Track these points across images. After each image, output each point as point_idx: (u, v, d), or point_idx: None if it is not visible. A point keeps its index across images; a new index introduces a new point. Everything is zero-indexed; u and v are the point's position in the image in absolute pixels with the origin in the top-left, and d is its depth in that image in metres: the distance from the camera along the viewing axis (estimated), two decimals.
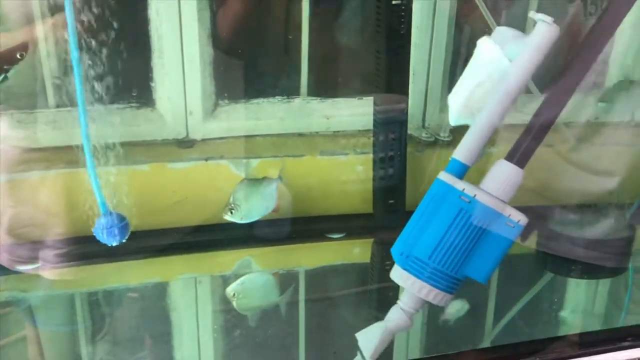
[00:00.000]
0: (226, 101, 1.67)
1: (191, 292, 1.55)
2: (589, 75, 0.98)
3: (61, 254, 1.46)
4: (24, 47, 1.38)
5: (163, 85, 1.60)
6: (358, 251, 1.75)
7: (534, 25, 0.92)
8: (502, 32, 0.98)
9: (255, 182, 1.52)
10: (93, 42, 1.33)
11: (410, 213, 0.98)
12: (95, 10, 1.32)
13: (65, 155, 1.48)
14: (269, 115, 1.70)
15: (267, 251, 1.64)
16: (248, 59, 1.67)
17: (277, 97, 1.70)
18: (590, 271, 1.59)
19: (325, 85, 1.74)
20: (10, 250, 1.44)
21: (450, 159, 0.97)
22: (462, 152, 0.96)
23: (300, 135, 1.73)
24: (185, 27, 1.55)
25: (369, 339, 1.01)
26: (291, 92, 1.71)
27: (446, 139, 1.76)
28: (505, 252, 0.96)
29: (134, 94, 1.59)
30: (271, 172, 1.56)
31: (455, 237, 0.94)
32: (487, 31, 1.03)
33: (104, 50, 1.36)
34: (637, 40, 1.79)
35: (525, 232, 0.97)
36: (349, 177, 1.70)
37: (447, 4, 1.71)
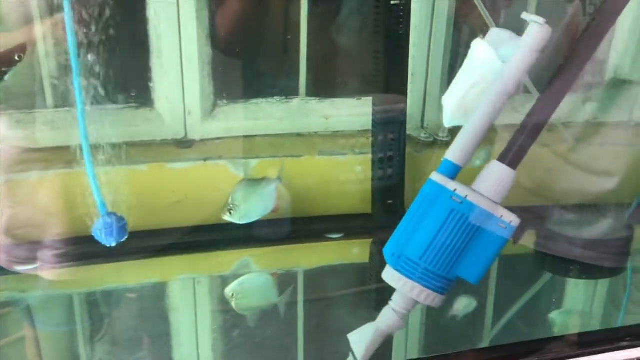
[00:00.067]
0: (225, 101, 1.67)
1: (190, 293, 1.55)
2: (582, 76, 0.98)
3: (60, 255, 1.46)
4: (22, 49, 1.38)
5: (162, 85, 1.60)
6: (357, 251, 1.75)
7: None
8: (496, 33, 0.98)
9: (254, 182, 1.52)
10: (92, 43, 1.33)
11: None
12: (93, 10, 1.32)
13: (63, 156, 1.47)
14: (268, 115, 1.70)
15: (266, 251, 1.64)
16: (247, 59, 1.67)
17: (275, 97, 1.70)
18: (588, 271, 1.59)
19: (324, 86, 1.74)
20: (9, 250, 1.44)
21: (442, 159, 0.98)
22: (455, 152, 0.96)
23: (299, 135, 1.73)
24: (184, 27, 1.55)
25: (360, 339, 1.01)
26: (290, 92, 1.71)
27: (445, 139, 1.76)
28: (498, 253, 0.96)
29: (133, 94, 1.59)
30: (270, 172, 1.56)
31: (447, 238, 0.94)
32: (486, 31, 1.03)
33: (103, 51, 1.36)
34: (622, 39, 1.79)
35: (519, 233, 0.96)
36: (348, 177, 1.70)
37: (446, 4, 1.71)
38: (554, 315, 1.44)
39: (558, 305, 1.51)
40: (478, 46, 0.98)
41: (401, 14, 1.52)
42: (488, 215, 0.94)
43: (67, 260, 1.47)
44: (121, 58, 1.44)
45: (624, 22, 1.77)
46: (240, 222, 1.48)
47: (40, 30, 1.45)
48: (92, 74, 1.35)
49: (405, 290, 0.97)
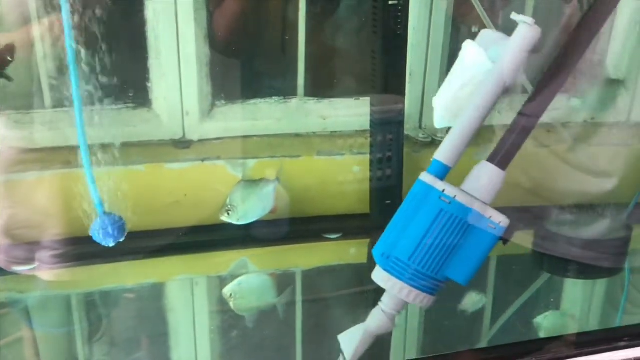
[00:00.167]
0: (223, 102, 1.67)
1: (188, 293, 1.55)
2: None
3: (58, 255, 1.46)
4: (9, 50, 1.37)
5: (159, 85, 1.60)
6: (355, 251, 1.75)
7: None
8: (486, 35, 0.99)
9: (252, 183, 1.52)
10: (89, 43, 1.33)
11: None
12: (91, 10, 1.31)
13: (61, 156, 1.47)
14: (266, 115, 1.70)
15: (264, 252, 1.64)
16: (245, 59, 1.67)
17: (274, 97, 1.70)
18: (587, 271, 1.59)
19: (322, 86, 1.74)
20: (7, 251, 1.44)
21: (432, 159, 0.98)
22: (444, 153, 0.96)
23: (297, 135, 1.73)
24: (182, 28, 1.55)
25: (350, 340, 1.01)
26: (288, 92, 1.71)
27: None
28: (487, 254, 0.96)
29: (131, 95, 1.59)
30: (268, 172, 1.56)
31: (436, 238, 0.94)
32: None
33: (101, 51, 1.36)
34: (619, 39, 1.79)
35: (508, 234, 0.96)
36: (346, 177, 1.70)
37: (444, 4, 1.71)
38: (552, 315, 1.45)
39: (556, 305, 1.51)
40: (468, 47, 0.98)
41: (399, 14, 1.52)
42: (477, 216, 0.93)
43: (65, 260, 1.46)
44: (119, 58, 1.44)
45: (621, 22, 1.77)
46: (239, 223, 1.48)
47: (38, 30, 1.45)
48: (90, 74, 1.35)
49: (395, 291, 0.96)
